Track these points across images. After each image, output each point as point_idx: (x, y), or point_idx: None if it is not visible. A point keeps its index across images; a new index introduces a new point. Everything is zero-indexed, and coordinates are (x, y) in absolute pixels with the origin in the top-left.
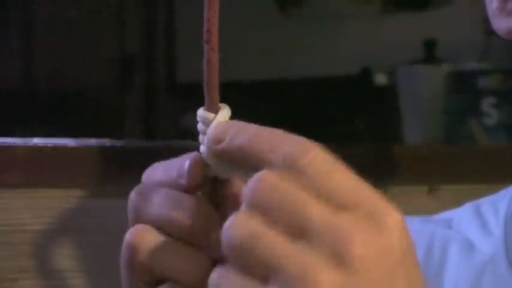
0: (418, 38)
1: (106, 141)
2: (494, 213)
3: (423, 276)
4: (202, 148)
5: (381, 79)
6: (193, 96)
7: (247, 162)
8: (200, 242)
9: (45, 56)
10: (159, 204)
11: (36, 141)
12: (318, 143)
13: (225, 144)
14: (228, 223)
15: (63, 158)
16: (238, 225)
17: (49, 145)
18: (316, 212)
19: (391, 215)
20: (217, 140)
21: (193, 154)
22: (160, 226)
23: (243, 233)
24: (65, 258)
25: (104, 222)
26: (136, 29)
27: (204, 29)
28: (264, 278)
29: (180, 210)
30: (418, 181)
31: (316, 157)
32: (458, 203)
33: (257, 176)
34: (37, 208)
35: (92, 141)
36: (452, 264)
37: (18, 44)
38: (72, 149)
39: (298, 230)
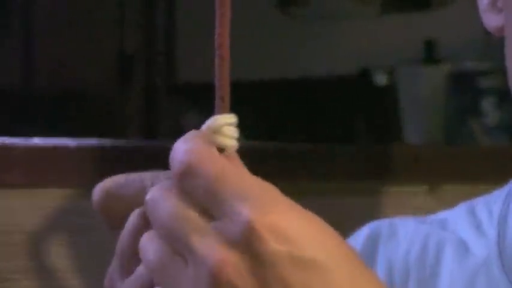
0: (418, 38)
1: (106, 141)
2: (488, 214)
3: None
4: None
5: (380, 79)
6: (193, 96)
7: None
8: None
9: (45, 56)
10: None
11: (36, 141)
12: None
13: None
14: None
15: (63, 158)
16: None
17: (49, 145)
18: (185, 238)
19: (260, 230)
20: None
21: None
22: None
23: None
24: (65, 258)
25: (103, 222)
26: (136, 29)
27: (216, 44)
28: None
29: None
30: (418, 181)
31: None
32: (458, 203)
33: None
34: (37, 208)
35: (92, 141)
36: (447, 266)
37: (18, 44)
38: (72, 149)
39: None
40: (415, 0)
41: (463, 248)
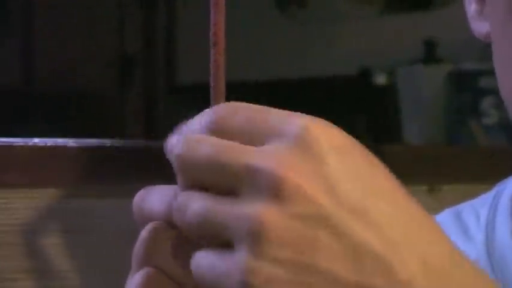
0: (418, 38)
1: (106, 141)
2: (475, 218)
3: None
4: None
5: (380, 79)
6: (193, 96)
7: None
8: None
9: (45, 56)
10: (169, 257)
11: (36, 141)
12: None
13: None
14: (177, 206)
15: (63, 158)
16: (186, 207)
17: (49, 145)
18: (237, 160)
19: (315, 131)
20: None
21: None
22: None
23: (194, 213)
24: (65, 258)
25: (104, 221)
26: (137, 29)
27: (211, 32)
28: (222, 246)
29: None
30: (418, 181)
31: (224, 108)
32: (458, 203)
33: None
34: (37, 208)
35: (92, 141)
36: None
37: (18, 44)
38: (72, 149)
39: (230, 186)
40: (416, 0)
41: None
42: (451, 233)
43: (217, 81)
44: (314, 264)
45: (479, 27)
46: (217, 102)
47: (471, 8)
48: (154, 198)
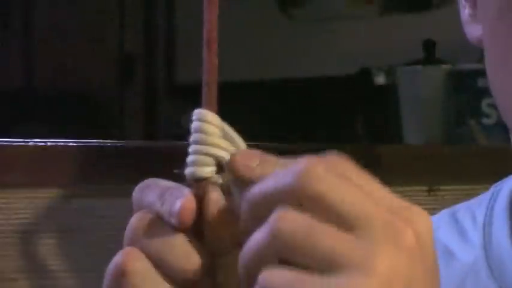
0: (418, 38)
1: (106, 142)
2: (472, 220)
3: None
4: (192, 148)
5: (380, 79)
6: (193, 96)
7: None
8: (187, 282)
9: (46, 56)
10: (151, 240)
11: (36, 141)
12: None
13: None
14: (276, 217)
15: (63, 158)
16: (290, 219)
17: (49, 145)
18: (333, 249)
19: (406, 228)
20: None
21: (186, 194)
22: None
23: (297, 227)
24: (65, 258)
25: (104, 222)
26: (137, 29)
27: (204, 30)
28: (322, 271)
29: (169, 253)
30: (418, 181)
31: (320, 182)
32: (457, 203)
33: (298, 170)
34: (37, 208)
35: (92, 142)
36: None
37: (18, 44)
38: (72, 149)
39: (348, 223)
40: (415, 0)
41: (448, 254)
42: (447, 235)
43: (211, 79)
44: None
45: (473, 30)
46: (209, 100)
47: (465, 12)
48: (152, 192)
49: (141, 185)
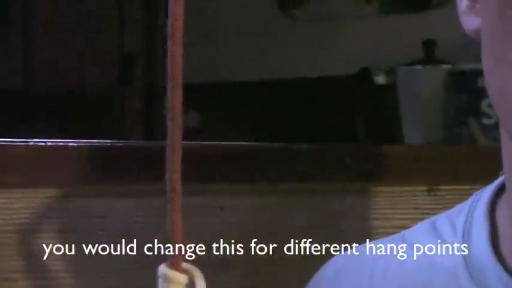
0: (418, 39)
1: (106, 142)
2: (451, 227)
3: None
4: None
5: (380, 79)
6: (193, 96)
7: None
8: None
9: (45, 56)
10: None
11: (36, 141)
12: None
13: None
14: None
15: (63, 158)
16: None
17: (49, 145)
18: None
19: None
20: None
21: None
22: None
23: None
24: (65, 258)
25: (104, 221)
26: (137, 29)
27: (168, 23)
28: None
29: None
30: (418, 181)
31: None
32: (457, 203)
33: None
34: (37, 208)
35: (92, 141)
36: None
37: (18, 44)
38: (72, 149)
39: None
40: (415, 0)
41: (429, 263)
42: (426, 242)
43: (174, 74)
44: None
45: (470, 22)
46: (174, 95)
47: (462, 3)
48: None
49: None
